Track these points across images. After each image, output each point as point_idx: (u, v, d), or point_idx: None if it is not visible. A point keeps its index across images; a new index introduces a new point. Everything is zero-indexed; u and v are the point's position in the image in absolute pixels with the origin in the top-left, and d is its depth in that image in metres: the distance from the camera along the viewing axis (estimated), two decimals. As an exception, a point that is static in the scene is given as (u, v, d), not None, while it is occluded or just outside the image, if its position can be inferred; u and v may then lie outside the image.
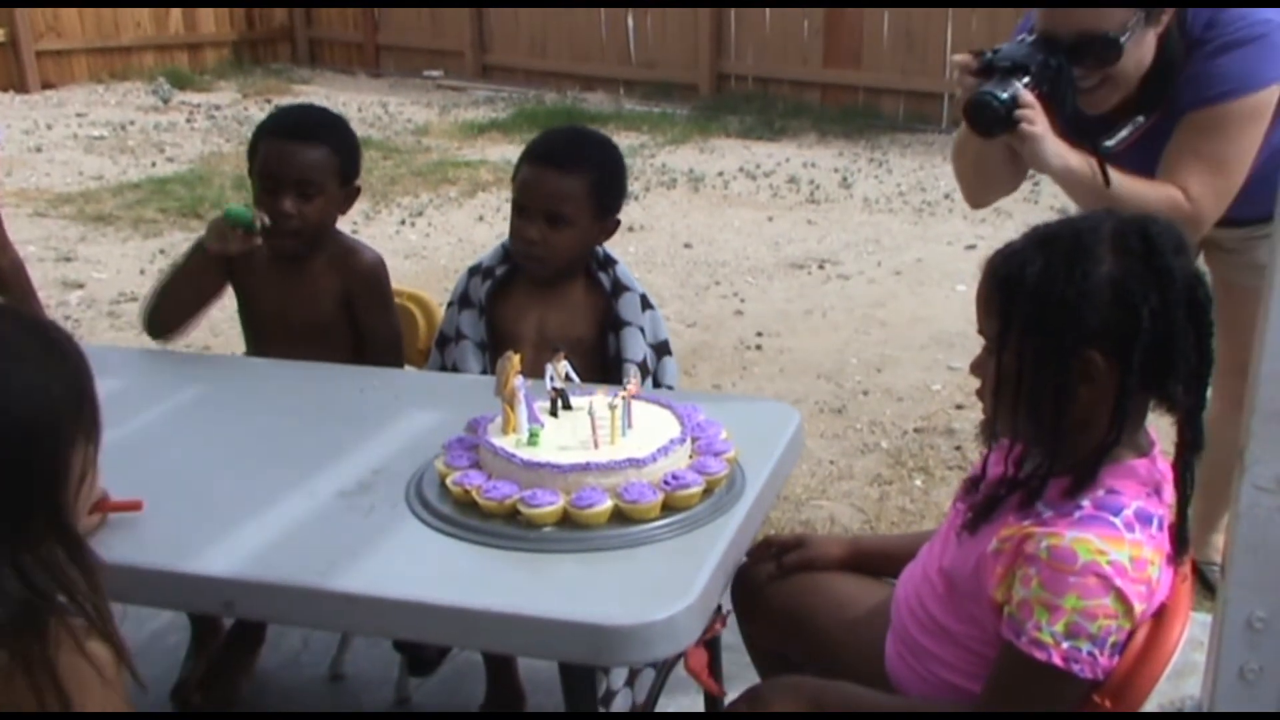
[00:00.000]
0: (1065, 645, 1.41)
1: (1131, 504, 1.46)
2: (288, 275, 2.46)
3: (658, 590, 1.53)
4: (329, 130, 2.48)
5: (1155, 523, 1.47)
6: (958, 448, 3.81)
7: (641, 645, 1.48)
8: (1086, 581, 1.41)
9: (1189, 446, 1.51)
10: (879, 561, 1.93)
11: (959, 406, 4.11)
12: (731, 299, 5.21)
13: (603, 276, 2.43)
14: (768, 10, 9.41)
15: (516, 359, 1.79)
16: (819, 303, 5.13)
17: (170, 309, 2.45)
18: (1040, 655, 1.42)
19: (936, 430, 3.95)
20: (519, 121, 9.01)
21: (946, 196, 6.83)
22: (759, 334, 4.78)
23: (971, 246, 5.92)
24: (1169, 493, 1.51)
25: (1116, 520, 1.44)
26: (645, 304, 2.43)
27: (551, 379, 1.85)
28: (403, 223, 6.46)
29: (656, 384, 2.36)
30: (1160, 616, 1.49)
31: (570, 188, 2.32)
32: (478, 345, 2.40)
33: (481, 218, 6.58)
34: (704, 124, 8.87)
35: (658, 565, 1.60)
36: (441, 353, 2.46)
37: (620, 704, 1.98)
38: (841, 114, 8.88)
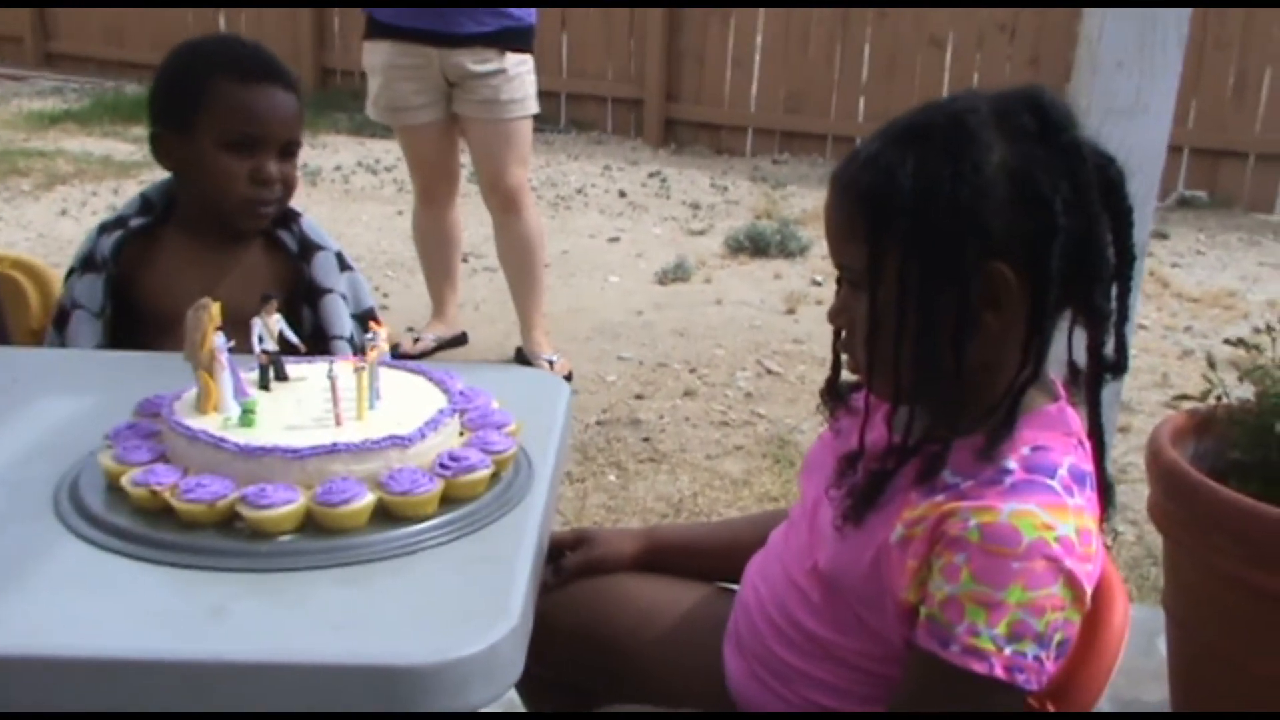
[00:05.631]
0: (1008, 651, 1.08)
1: (1064, 460, 1.15)
2: None
3: (462, 612, 1.10)
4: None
5: (1089, 482, 1.17)
6: (646, 439, 3.52)
7: (453, 689, 1.03)
8: (1033, 566, 1.08)
9: (1111, 369, 1.21)
10: (682, 556, 1.56)
11: (638, 396, 3.84)
12: (376, 294, 4.71)
13: (284, 235, 1.93)
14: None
15: (216, 308, 1.29)
16: (470, 295, 4.73)
17: None
18: (979, 667, 1.09)
19: (620, 422, 3.64)
20: (98, 112, 8.03)
21: (579, 191, 6.63)
22: (409, 329, 4.32)
23: (614, 239, 5.73)
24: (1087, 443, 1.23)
25: (1054, 483, 1.13)
26: (343, 264, 1.96)
27: (261, 339, 1.36)
28: (-35, 219, 5.49)
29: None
30: (1098, 595, 1.19)
31: (297, 105, 1.86)
32: (93, 314, 1.84)
33: (64, 212, 5.70)
34: (311, 119, 8.18)
35: (450, 578, 1.16)
36: (61, 332, 1.88)
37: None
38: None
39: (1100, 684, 1.18)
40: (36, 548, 1.16)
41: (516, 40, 3.78)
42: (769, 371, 4.10)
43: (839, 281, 1.26)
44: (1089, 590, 1.12)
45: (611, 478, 3.29)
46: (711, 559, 1.54)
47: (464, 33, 3.69)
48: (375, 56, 3.84)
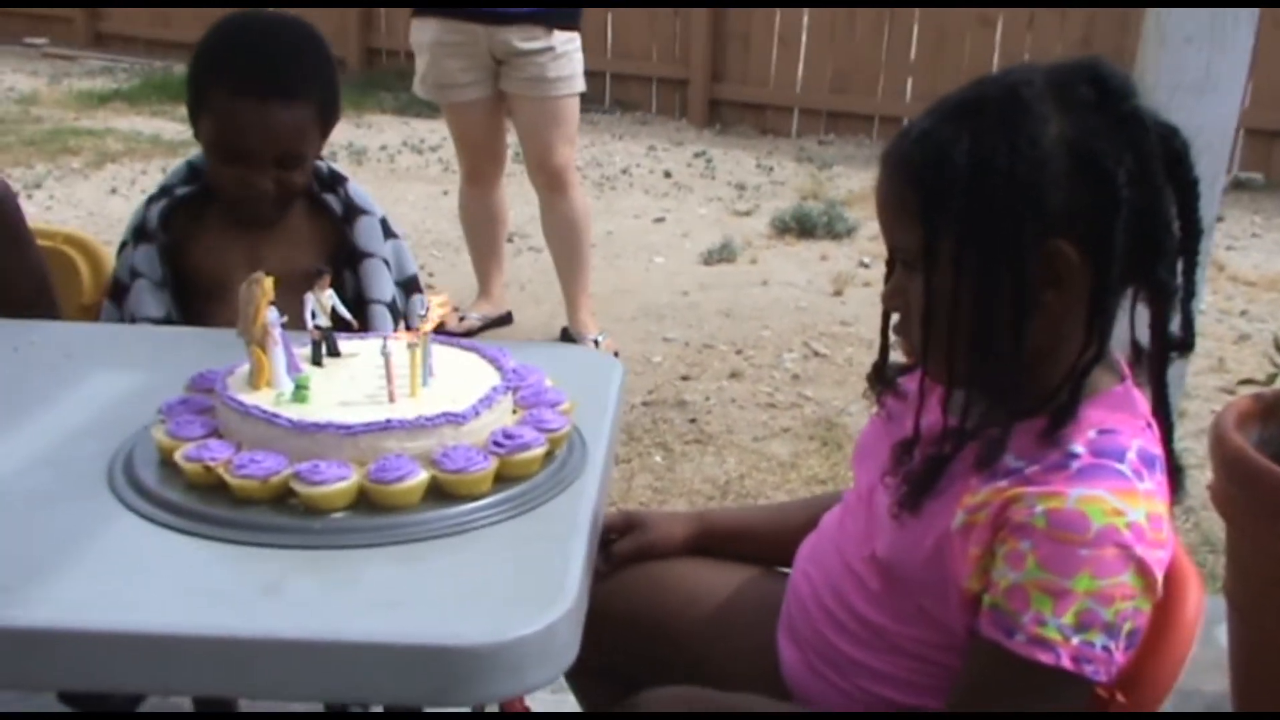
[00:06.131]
0: (1076, 641, 1.05)
1: (1132, 443, 1.11)
2: None
3: (517, 593, 1.09)
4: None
5: (1159, 465, 1.13)
6: (692, 420, 3.50)
7: (509, 672, 1.01)
8: (1102, 554, 1.05)
9: (1178, 347, 1.17)
10: (735, 540, 1.54)
11: (684, 378, 3.82)
12: (422, 273, 4.70)
13: (330, 199, 1.92)
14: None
15: (269, 282, 1.28)
16: (515, 275, 4.72)
17: None
18: (1046, 658, 1.06)
19: (666, 403, 3.62)
20: (146, 92, 8.08)
21: (624, 172, 6.60)
22: (455, 309, 4.32)
23: (659, 220, 5.70)
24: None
25: (1123, 467, 1.09)
26: (387, 230, 1.95)
27: (314, 315, 1.35)
28: (17, 195, 5.53)
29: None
30: (1170, 582, 1.16)
31: (302, 118, 1.80)
32: (156, 284, 1.84)
33: (114, 190, 5.74)
34: (357, 99, 8.22)
35: (504, 557, 1.14)
36: (119, 305, 1.88)
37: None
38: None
39: (1173, 675, 1.14)
40: (90, 522, 1.16)
41: (564, 18, 3.79)
42: (816, 353, 4.07)
43: (889, 263, 1.23)
44: (1160, 578, 1.09)
45: (658, 459, 3.27)
46: (764, 543, 1.52)
47: (512, 10, 3.69)
48: (423, 34, 3.86)
